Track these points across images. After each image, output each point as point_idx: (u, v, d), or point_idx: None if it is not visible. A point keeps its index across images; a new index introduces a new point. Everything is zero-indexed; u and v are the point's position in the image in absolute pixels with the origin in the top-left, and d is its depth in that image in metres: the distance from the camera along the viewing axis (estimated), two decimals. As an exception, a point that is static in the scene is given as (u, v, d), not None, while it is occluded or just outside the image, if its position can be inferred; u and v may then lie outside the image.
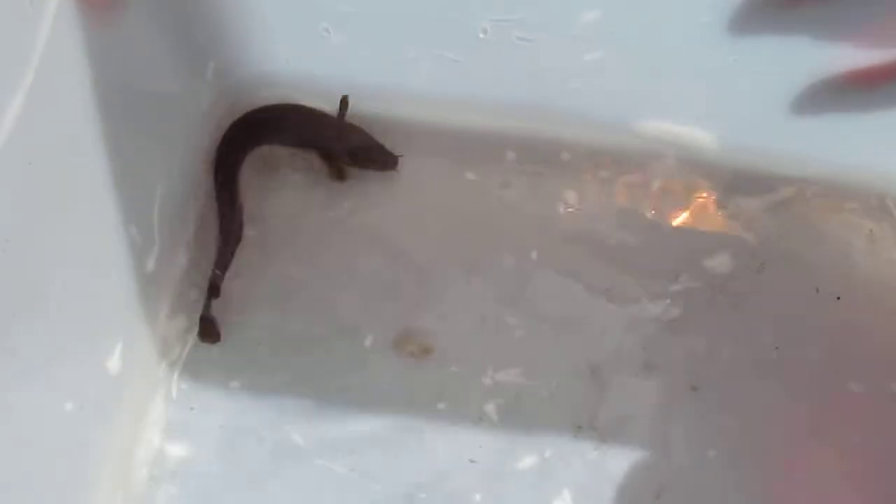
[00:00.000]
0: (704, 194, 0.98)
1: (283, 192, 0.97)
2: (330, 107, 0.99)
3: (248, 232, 0.95)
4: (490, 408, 0.90)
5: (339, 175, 0.96)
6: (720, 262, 0.95)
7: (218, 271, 0.91)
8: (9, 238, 0.68)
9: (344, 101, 0.97)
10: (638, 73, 0.91)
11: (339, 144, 0.95)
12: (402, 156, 0.96)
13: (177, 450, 0.89)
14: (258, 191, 0.97)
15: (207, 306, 0.90)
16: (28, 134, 0.68)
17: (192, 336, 0.92)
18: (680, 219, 0.98)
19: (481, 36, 0.90)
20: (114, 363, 0.83)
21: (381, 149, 0.95)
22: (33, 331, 0.72)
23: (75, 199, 0.76)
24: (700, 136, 0.97)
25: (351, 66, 0.96)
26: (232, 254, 0.92)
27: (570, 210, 0.97)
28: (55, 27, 0.70)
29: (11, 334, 0.69)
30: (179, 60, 0.91)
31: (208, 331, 0.90)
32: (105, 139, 0.77)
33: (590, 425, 0.89)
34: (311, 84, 0.98)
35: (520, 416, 0.88)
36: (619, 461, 0.89)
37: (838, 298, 0.93)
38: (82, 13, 0.73)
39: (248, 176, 0.97)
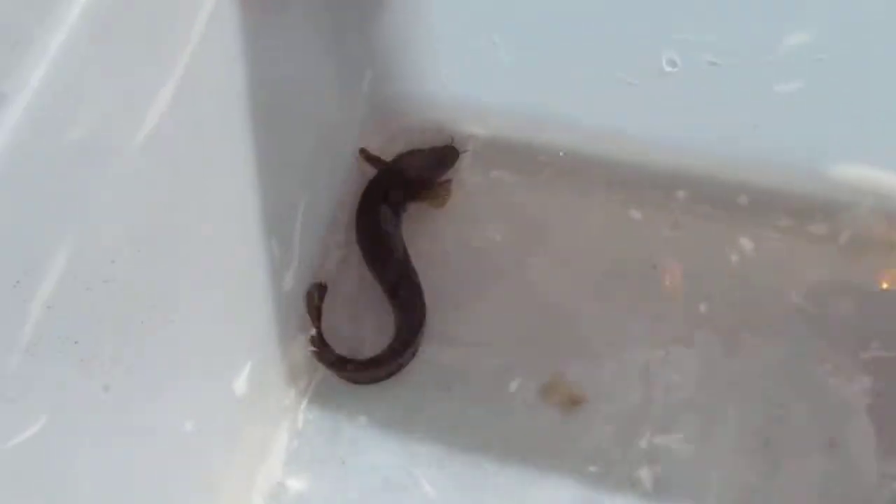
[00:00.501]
0: (903, 251, 0.87)
1: (430, 232, 0.91)
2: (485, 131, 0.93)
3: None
4: (644, 474, 0.79)
5: (443, 196, 0.90)
6: (920, 330, 0.84)
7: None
8: (142, 241, 0.63)
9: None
10: (838, 107, 0.80)
11: (420, 172, 0.90)
12: (454, 138, 0.91)
13: (297, 483, 0.82)
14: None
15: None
16: (172, 131, 0.63)
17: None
18: (873, 277, 0.86)
19: (666, 61, 0.81)
20: (240, 385, 0.77)
21: (439, 150, 0.91)
22: (160, 342, 0.67)
23: (215, 204, 0.71)
24: (903, 184, 0.85)
25: (516, 90, 0.89)
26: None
27: (744, 260, 0.87)
28: (210, 22, 0.65)
29: (137, 344, 0.64)
30: (335, 67, 0.85)
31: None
32: (251, 143, 0.73)
33: (758, 505, 0.78)
34: (471, 108, 0.92)
35: (678, 487, 0.78)
36: (788, 548, 0.77)
37: None
38: (240, 10, 0.68)
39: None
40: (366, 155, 0.91)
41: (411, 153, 0.91)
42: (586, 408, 0.82)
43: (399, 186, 0.89)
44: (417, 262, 0.87)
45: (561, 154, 0.92)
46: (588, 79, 0.85)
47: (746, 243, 0.88)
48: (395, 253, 0.86)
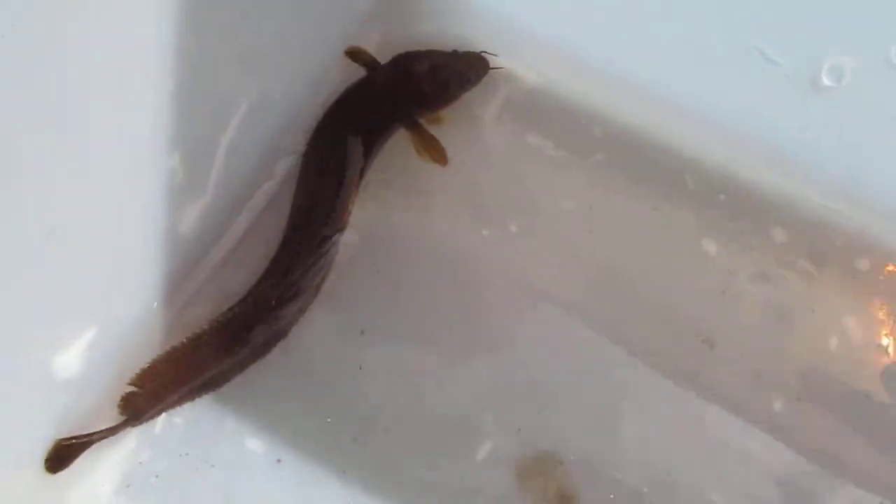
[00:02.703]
0: None
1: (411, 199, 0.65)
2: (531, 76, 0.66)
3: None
4: None
5: (436, 147, 0.63)
6: None
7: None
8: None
9: None
10: None
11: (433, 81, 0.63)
12: (492, 54, 0.65)
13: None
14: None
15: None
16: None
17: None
18: None
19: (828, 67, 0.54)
20: (66, 363, 0.50)
21: (462, 57, 0.64)
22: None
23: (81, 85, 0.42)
24: None
25: (591, 27, 0.63)
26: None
27: (847, 348, 0.62)
28: None
29: None
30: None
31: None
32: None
33: None
34: (519, 36, 0.65)
35: None
36: None
37: None
38: None
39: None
40: (353, 52, 0.63)
41: (420, 54, 0.64)
42: (581, 511, 0.57)
43: (399, 96, 0.63)
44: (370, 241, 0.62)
45: (627, 134, 0.66)
46: (709, 35, 0.59)
47: (854, 325, 0.62)
48: (334, 203, 0.58)
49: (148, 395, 0.53)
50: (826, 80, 0.57)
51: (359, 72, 0.62)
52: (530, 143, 0.66)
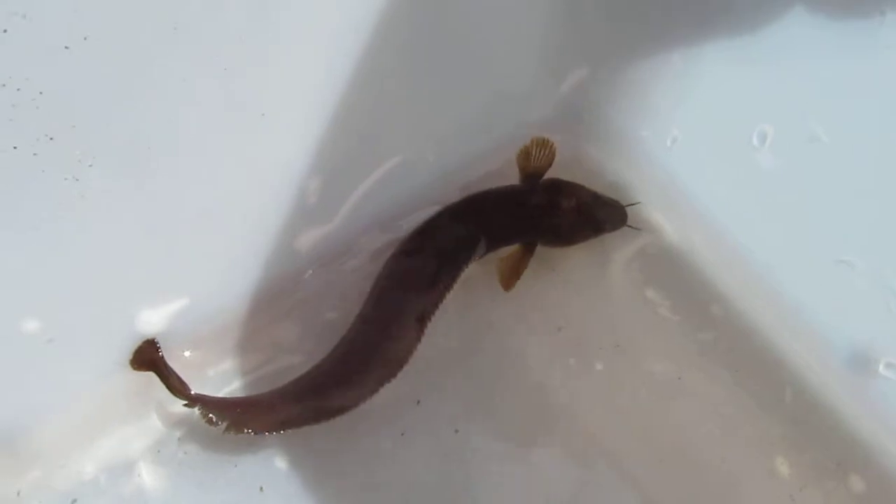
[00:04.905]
0: None
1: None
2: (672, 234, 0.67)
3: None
4: None
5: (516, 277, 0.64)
6: None
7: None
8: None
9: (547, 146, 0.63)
10: None
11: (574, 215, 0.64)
12: (638, 202, 0.66)
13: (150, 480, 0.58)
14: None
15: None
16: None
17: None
18: None
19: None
20: (149, 318, 0.55)
21: (604, 201, 0.65)
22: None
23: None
24: None
25: (755, 213, 0.62)
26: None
27: None
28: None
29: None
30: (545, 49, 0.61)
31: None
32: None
33: None
34: (679, 195, 0.65)
35: None
36: None
37: None
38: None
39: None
40: (537, 148, 0.63)
41: (570, 188, 0.65)
42: None
43: (539, 222, 0.64)
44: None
45: (743, 326, 0.65)
46: (855, 268, 0.58)
47: None
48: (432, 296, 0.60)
49: (217, 404, 0.57)
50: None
51: (507, 170, 0.64)
52: (647, 297, 0.66)
